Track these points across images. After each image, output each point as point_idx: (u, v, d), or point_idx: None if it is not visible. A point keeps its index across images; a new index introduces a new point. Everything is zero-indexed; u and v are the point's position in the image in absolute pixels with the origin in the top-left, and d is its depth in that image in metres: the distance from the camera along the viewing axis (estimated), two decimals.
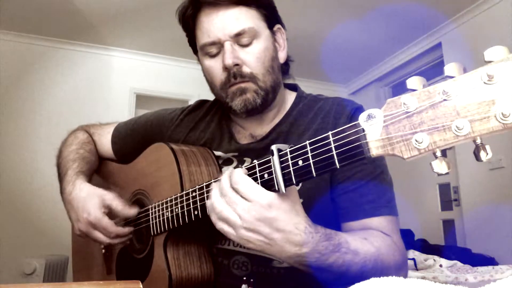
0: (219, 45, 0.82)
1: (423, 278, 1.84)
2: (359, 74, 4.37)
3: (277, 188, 0.59)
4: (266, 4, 0.87)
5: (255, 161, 0.63)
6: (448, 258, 2.27)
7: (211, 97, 1.09)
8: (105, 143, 1.10)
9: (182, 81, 3.95)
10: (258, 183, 0.61)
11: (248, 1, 0.82)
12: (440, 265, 2.17)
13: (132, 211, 0.86)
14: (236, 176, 0.60)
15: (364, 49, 3.71)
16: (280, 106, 0.92)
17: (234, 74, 0.81)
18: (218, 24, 0.81)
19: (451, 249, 2.57)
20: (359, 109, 0.86)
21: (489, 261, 2.40)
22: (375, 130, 0.48)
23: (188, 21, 0.87)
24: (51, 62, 3.54)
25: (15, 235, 3.07)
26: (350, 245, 0.66)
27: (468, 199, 3.05)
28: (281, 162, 0.59)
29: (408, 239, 2.66)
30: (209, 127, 0.97)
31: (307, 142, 0.56)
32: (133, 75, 3.84)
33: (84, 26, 3.32)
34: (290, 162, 0.57)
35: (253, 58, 0.82)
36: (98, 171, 1.07)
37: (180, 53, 3.82)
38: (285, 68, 0.92)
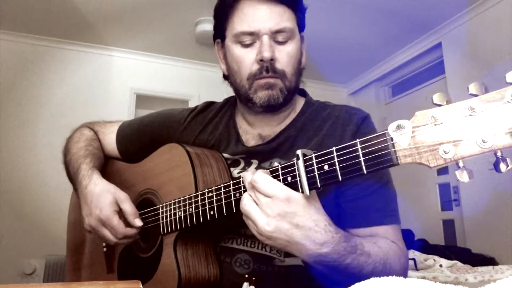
0: (255, 36, 0.83)
1: (423, 278, 1.84)
2: (359, 74, 4.38)
3: (301, 191, 0.60)
4: (302, 10, 0.89)
5: (277, 164, 0.65)
6: (448, 258, 2.27)
7: (211, 97, 1.09)
8: (110, 142, 1.10)
9: (182, 81, 3.95)
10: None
11: (290, 3, 0.84)
12: (440, 265, 2.17)
13: (138, 222, 0.86)
14: (256, 174, 0.62)
15: (364, 49, 3.72)
16: (291, 109, 0.93)
17: (267, 67, 0.82)
18: (262, 16, 0.82)
19: (451, 249, 2.58)
20: (367, 118, 0.87)
21: (489, 261, 2.40)
22: (404, 139, 0.52)
23: (229, 5, 0.86)
24: (51, 62, 3.54)
25: (15, 235, 3.07)
26: (364, 247, 0.67)
27: (468, 199, 3.05)
28: (305, 166, 0.60)
29: (408, 239, 2.67)
30: (217, 129, 0.97)
31: (334, 148, 0.58)
32: (133, 75, 3.84)
33: (84, 26, 3.32)
34: (315, 166, 0.59)
35: (286, 57, 0.83)
36: (104, 170, 1.07)
37: (180, 53, 3.82)
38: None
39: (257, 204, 0.62)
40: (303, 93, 0.98)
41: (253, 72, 0.83)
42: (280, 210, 0.60)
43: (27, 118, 3.38)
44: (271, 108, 0.86)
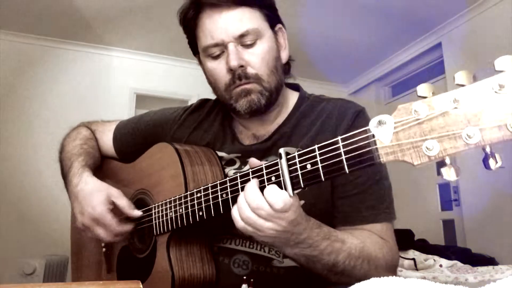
0: (222, 46, 0.82)
1: (423, 278, 1.84)
2: (359, 74, 4.37)
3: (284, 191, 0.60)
4: (268, 5, 0.86)
5: (262, 163, 0.64)
6: (448, 258, 2.27)
7: (211, 96, 1.09)
8: (107, 141, 1.10)
9: (182, 81, 3.95)
10: (265, 185, 0.62)
11: (250, 2, 0.82)
12: (440, 265, 2.17)
13: (136, 212, 0.86)
14: (252, 196, 0.61)
15: (364, 49, 3.72)
16: (282, 106, 0.92)
17: (239, 75, 0.81)
18: (221, 25, 0.81)
19: (451, 249, 2.57)
20: (361, 112, 0.86)
21: (489, 261, 2.40)
22: (386, 136, 0.48)
23: (190, 22, 0.87)
24: (51, 62, 3.54)
25: (15, 235, 3.07)
26: (338, 235, 0.69)
27: (468, 199, 3.05)
28: (289, 166, 0.59)
29: (408, 239, 2.66)
30: (212, 127, 0.97)
31: (316, 146, 0.56)
32: (133, 75, 3.84)
33: (84, 26, 3.32)
34: (298, 165, 0.58)
35: (257, 59, 0.82)
36: (99, 169, 1.07)
37: (180, 53, 3.82)
38: (286, 67, 0.92)
39: (260, 216, 0.61)
40: (297, 88, 0.97)
41: (228, 82, 0.83)
42: (286, 224, 0.61)
43: (27, 118, 3.38)
44: (257, 112, 0.84)
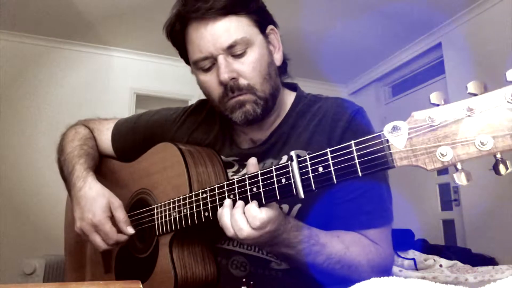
0: (212, 59, 0.80)
1: (423, 278, 1.84)
2: (359, 74, 4.37)
3: (295, 193, 0.60)
4: (256, 9, 0.83)
5: (272, 164, 0.65)
6: (448, 258, 2.27)
7: None
8: (105, 140, 1.08)
9: (182, 81, 3.94)
10: (274, 187, 0.62)
11: (236, 10, 0.79)
12: (440, 265, 2.17)
13: (130, 229, 0.84)
14: (232, 222, 0.65)
15: (364, 49, 3.71)
16: (280, 109, 0.90)
17: (231, 87, 0.79)
18: (208, 38, 0.78)
19: (451, 249, 2.57)
20: (359, 112, 0.84)
21: (489, 261, 2.40)
22: (400, 141, 0.50)
23: (177, 36, 0.86)
24: (51, 62, 3.53)
25: (15, 235, 3.07)
26: (319, 239, 0.70)
27: (468, 199, 3.05)
28: (300, 168, 0.59)
29: (408, 239, 2.66)
30: (211, 130, 0.96)
31: (328, 150, 0.57)
32: (133, 75, 3.84)
33: (84, 26, 3.32)
34: (309, 168, 0.58)
35: (249, 69, 0.79)
36: (98, 169, 1.06)
37: None
38: (282, 68, 0.90)
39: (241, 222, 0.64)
40: (294, 88, 0.95)
41: (221, 95, 0.81)
42: (267, 234, 0.65)
43: (27, 118, 3.38)
44: (254, 121, 0.83)
